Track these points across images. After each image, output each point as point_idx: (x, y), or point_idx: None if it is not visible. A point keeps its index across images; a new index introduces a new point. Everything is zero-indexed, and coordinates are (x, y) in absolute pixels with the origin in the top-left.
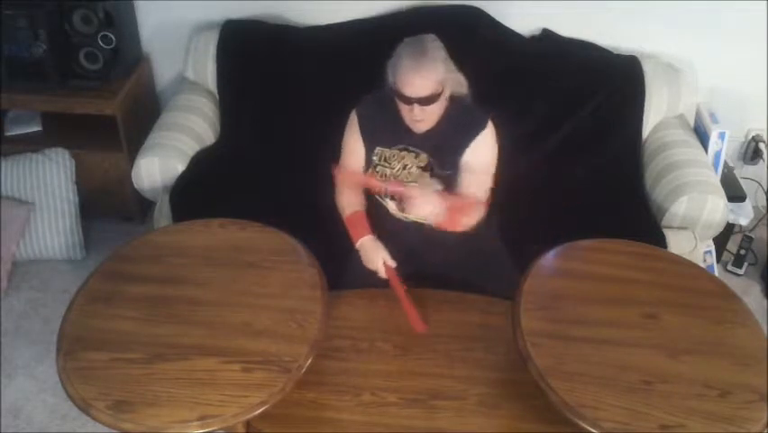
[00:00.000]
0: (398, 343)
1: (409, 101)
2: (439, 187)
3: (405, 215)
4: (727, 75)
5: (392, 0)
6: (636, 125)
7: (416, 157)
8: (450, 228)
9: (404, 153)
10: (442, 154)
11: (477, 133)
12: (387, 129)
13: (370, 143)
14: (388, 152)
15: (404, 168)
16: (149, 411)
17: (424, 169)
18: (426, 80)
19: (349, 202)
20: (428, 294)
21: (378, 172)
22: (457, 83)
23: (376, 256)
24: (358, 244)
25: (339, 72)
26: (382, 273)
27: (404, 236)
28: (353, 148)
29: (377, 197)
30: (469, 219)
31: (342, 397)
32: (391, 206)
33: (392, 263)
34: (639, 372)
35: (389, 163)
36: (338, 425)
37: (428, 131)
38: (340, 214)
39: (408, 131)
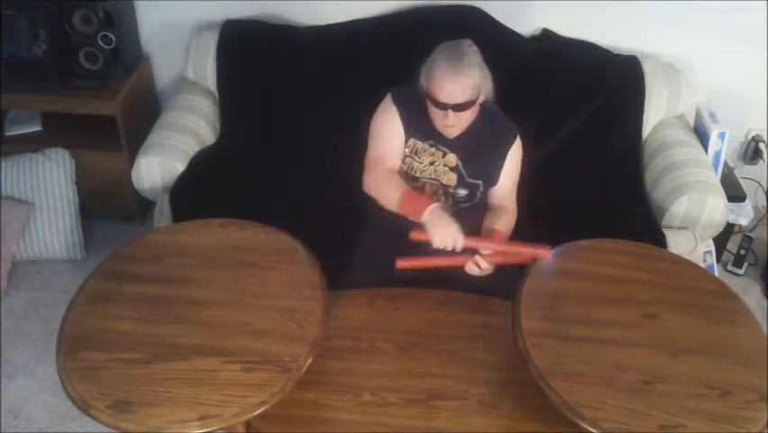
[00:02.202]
0: (398, 343)
1: (444, 107)
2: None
3: None
4: (727, 75)
5: (392, 0)
6: (636, 125)
7: (443, 156)
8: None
9: (433, 150)
10: (473, 158)
11: (510, 143)
12: (420, 121)
13: (406, 131)
14: (420, 145)
15: (431, 164)
16: (149, 411)
17: (452, 169)
18: (462, 86)
19: (396, 184)
20: (428, 294)
21: (405, 164)
22: (490, 89)
23: (450, 228)
24: (425, 215)
25: (339, 72)
26: (459, 245)
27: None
28: (392, 131)
29: None
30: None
31: (343, 397)
32: None
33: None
34: (639, 372)
35: (419, 157)
36: (338, 425)
37: (459, 135)
38: (345, 212)
39: (438, 131)
